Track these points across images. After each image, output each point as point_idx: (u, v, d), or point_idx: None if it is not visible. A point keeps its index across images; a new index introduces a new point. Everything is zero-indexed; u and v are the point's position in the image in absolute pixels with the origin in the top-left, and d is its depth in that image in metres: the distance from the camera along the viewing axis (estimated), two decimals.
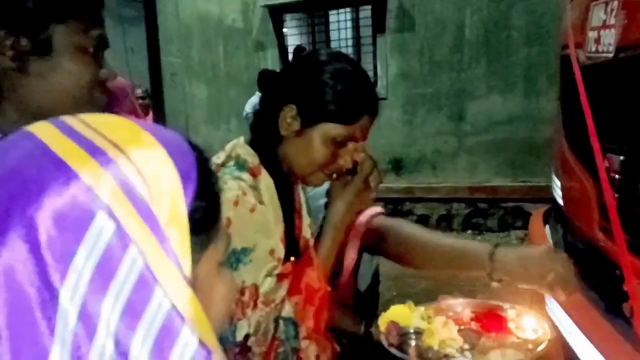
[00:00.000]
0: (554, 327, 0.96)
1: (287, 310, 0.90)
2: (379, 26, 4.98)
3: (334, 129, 0.92)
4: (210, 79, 5.69)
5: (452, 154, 4.87)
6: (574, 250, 1.40)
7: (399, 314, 1.00)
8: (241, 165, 0.91)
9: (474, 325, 1.00)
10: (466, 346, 0.94)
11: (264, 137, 0.96)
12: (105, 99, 0.72)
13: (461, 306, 1.06)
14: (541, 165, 4.19)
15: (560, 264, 0.92)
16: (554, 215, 1.64)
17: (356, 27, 5.27)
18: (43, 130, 0.37)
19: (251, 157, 0.93)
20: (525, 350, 0.91)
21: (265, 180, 0.92)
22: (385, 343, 0.95)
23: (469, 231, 4.69)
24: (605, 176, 0.98)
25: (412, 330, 0.95)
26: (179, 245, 0.36)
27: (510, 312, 1.02)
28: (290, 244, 0.95)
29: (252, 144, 0.96)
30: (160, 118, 3.57)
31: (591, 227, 1.18)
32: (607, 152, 1.10)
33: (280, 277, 0.89)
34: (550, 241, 1.53)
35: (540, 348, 0.89)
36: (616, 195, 1.03)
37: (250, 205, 0.85)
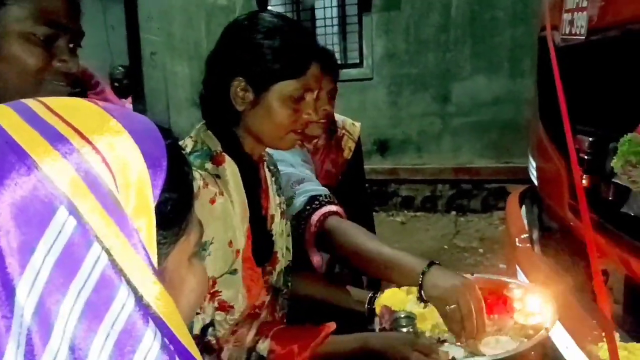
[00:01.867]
0: (555, 314, 0.91)
1: (262, 349, 0.89)
2: (364, 4, 4.93)
3: (287, 86, 0.90)
4: (192, 58, 5.59)
5: (437, 135, 4.89)
6: (546, 229, 1.43)
7: (393, 298, 0.99)
8: (205, 153, 0.89)
9: None
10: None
11: (220, 119, 0.93)
12: (68, 90, 0.69)
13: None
14: (524, 146, 4.20)
15: (463, 302, 0.86)
16: (530, 196, 1.67)
17: (342, 5, 5.21)
18: (2, 114, 0.35)
19: (213, 143, 0.91)
20: (523, 336, 0.87)
21: (230, 167, 0.90)
22: (377, 327, 0.96)
23: (453, 212, 4.75)
24: (574, 156, 1.00)
25: (403, 315, 0.94)
26: (147, 238, 0.34)
27: (517, 292, 0.97)
28: (257, 227, 0.94)
29: (212, 128, 0.93)
30: (139, 98, 3.50)
31: (562, 207, 1.21)
32: (577, 133, 1.12)
33: (248, 289, 0.89)
34: (525, 221, 1.56)
35: (535, 339, 0.85)
36: (585, 175, 1.05)
37: (210, 197, 0.84)
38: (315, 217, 1.11)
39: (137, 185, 0.34)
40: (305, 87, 0.91)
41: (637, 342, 0.83)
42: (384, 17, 4.89)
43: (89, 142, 0.33)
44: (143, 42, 3.56)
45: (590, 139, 1.09)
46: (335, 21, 5.25)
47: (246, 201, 0.91)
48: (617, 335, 0.76)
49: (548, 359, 1.02)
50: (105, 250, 0.32)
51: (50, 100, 0.36)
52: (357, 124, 1.99)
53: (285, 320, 1.05)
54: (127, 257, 0.32)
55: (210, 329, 0.85)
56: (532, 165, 1.58)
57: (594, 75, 1.14)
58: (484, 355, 0.84)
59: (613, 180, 0.88)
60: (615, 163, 0.74)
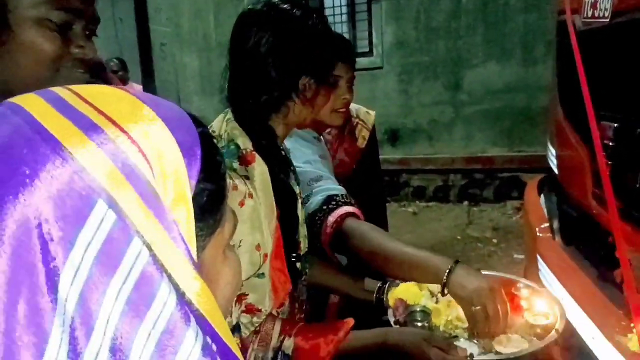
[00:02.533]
0: (564, 315, 0.90)
1: (287, 346, 0.89)
2: None
3: (343, 70, 0.99)
4: (201, 49, 5.58)
5: (449, 124, 4.84)
6: (567, 218, 1.40)
7: (407, 292, 0.99)
8: (232, 152, 0.86)
9: None
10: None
11: (262, 114, 0.91)
12: (86, 78, 0.68)
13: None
14: (537, 134, 4.17)
15: (491, 304, 0.86)
16: (549, 184, 1.64)
17: None
18: (33, 103, 0.33)
19: (243, 141, 0.88)
20: (532, 335, 0.88)
21: (259, 167, 0.87)
22: (391, 319, 0.95)
23: (465, 202, 4.71)
24: (599, 143, 0.98)
25: (418, 309, 0.95)
26: (187, 231, 0.33)
27: (524, 291, 0.98)
28: (287, 228, 0.93)
29: (243, 122, 0.90)
30: (150, 90, 3.51)
31: (585, 195, 1.18)
32: (601, 120, 1.09)
33: (275, 290, 0.89)
34: (545, 210, 1.53)
35: (547, 339, 0.86)
36: (609, 162, 1.02)
37: (240, 199, 0.82)
38: (332, 218, 1.09)
39: (174, 175, 0.33)
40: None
41: None
42: (394, 4, 4.83)
43: (124, 131, 0.32)
44: (152, 33, 3.55)
45: (615, 125, 1.06)
46: (344, 9, 5.20)
47: (274, 201, 0.89)
48: None
49: (572, 351, 1.00)
50: (146, 245, 0.30)
51: (80, 88, 0.35)
52: (372, 112, 1.96)
53: (304, 308, 1.04)
54: (168, 252, 0.31)
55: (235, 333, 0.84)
56: (552, 153, 1.55)
57: (618, 58, 1.10)
58: (499, 353, 0.85)
59: None
60: None
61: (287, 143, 1.08)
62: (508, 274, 1.08)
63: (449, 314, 0.94)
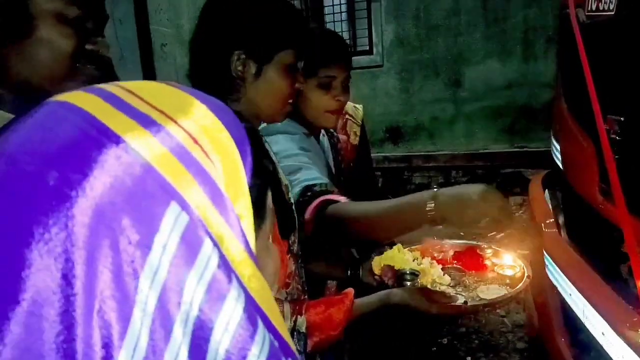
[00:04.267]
0: (529, 266, 1.03)
1: (301, 324, 0.90)
2: None
3: (288, 56, 0.90)
4: None
5: (450, 121, 4.83)
6: (573, 213, 1.40)
7: (392, 258, 1.06)
8: None
9: (455, 264, 1.08)
10: (452, 283, 1.02)
11: (219, 98, 0.90)
12: (100, 74, 0.68)
13: (443, 247, 1.13)
14: (539, 130, 4.16)
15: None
16: (553, 180, 1.63)
17: None
18: (88, 101, 0.32)
19: None
20: (504, 285, 0.98)
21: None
22: (372, 281, 1.03)
23: None
24: (605, 137, 0.97)
25: (408, 272, 1.02)
26: (248, 227, 0.32)
27: (488, 251, 1.10)
28: (279, 200, 0.92)
29: None
30: None
31: (591, 190, 1.18)
32: (607, 114, 1.08)
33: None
34: (550, 205, 1.53)
35: (522, 283, 0.96)
36: (616, 156, 1.02)
37: None
38: (309, 208, 1.08)
39: (234, 170, 0.33)
40: (299, 55, 0.92)
41: None
42: (393, 2, 4.82)
43: (182, 128, 0.31)
44: (153, 34, 3.53)
45: (621, 119, 1.05)
46: (344, 8, 5.19)
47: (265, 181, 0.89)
48: None
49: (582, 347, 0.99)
50: (217, 245, 0.30)
51: (128, 84, 0.34)
52: (359, 107, 1.93)
53: (306, 289, 1.05)
54: (235, 252, 0.31)
55: None
56: (556, 148, 1.54)
57: (624, 51, 1.10)
58: (484, 299, 0.94)
59: None
60: None
61: (268, 139, 1.07)
62: (472, 241, 1.19)
63: (433, 273, 1.03)
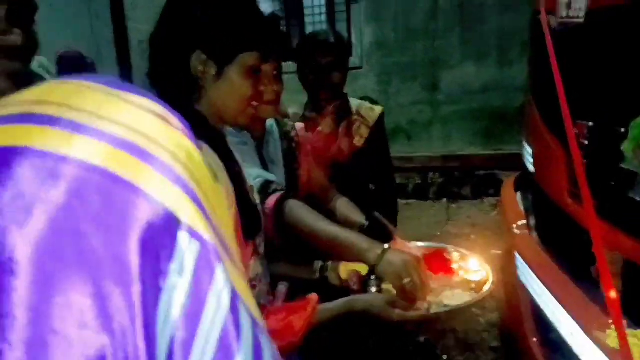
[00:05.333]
0: (496, 271, 1.06)
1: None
2: None
3: (250, 58, 0.89)
4: None
5: (427, 124, 4.89)
6: (544, 215, 1.43)
7: (360, 265, 1.07)
8: None
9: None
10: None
11: (180, 99, 0.89)
12: (14, 66, 0.62)
13: (411, 250, 1.14)
14: (514, 133, 4.23)
15: (416, 275, 0.96)
16: (525, 182, 1.66)
17: None
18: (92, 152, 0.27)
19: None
20: (469, 290, 1.00)
21: (209, 151, 0.87)
22: (335, 280, 1.05)
23: (444, 200, 4.76)
24: (574, 142, 0.99)
25: (373, 277, 1.03)
26: (236, 253, 0.31)
27: (455, 255, 1.11)
28: (243, 202, 0.92)
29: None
30: None
31: (561, 193, 1.20)
32: (576, 119, 1.10)
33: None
34: (521, 207, 1.55)
35: (485, 288, 0.99)
36: (585, 160, 1.04)
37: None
38: (269, 203, 1.10)
39: (217, 197, 0.31)
40: (264, 58, 0.92)
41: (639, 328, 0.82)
42: (373, 5, 4.85)
43: (170, 153, 0.29)
44: (130, 31, 3.46)
45: (590, 124, 1.08)
46: (324, 9, 5.20)
47: (230, 183, 0.89)
48: (624, 323, 0.76)
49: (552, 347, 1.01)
50: (225, 272, 0.28)
51: (33, 91, 0.29)
52: (378, 108, 1.87)
53: (271, 291, 1.06)
54: (240, 281, 0.29)
55: None
56: (528, 151, 1.57)
57: (593, 58, 1.12)
58: (448, 305, 0.97)
59: (620, 165, 0.87)
60: (626, 147, 0.73)
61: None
62: (440, 244, 1.23)
63: None
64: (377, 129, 1.81)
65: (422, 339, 2.62)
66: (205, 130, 0.87)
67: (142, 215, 0.26)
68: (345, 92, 1.82)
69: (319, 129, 1.76)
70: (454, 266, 1.09)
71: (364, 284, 1.04)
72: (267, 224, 1.08)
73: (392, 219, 1.84)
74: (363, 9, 4.89)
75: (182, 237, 0.27)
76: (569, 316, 0.97)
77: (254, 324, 0.30)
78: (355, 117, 1.78)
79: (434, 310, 0.94)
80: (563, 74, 1.04)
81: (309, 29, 5.24)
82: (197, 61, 0.86)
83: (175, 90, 0.88)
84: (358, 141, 1.76)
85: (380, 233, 1.26)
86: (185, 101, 0.88)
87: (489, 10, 4.55)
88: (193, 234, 0.27)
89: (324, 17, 5.14)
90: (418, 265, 0.97)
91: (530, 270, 1.20)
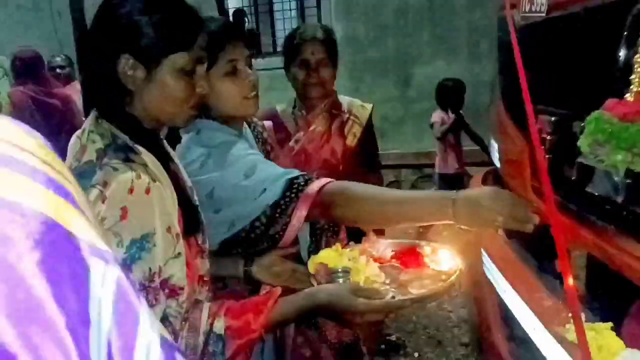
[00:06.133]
0: (466, 259, 1.06)
1: (218, 327, 0.89)
2: None
3: (179, 59, 0.88)
4: None
5: (399, 121, 4.91)
6: None
7: (327, 257, 1.05)
8: (121, 145, 0.83)
9: (394, 262, 1.08)
10: (387, 281, 1.01)
11: (112, 103, 0.88)
12: None
13: (382, 246, 1.13)
14: (483, 130, 4.29)
15: (506, 205, 0.92)
16: (492, 178, 1.67)
17: None
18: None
19: (119, 133, 0.86)
20: (439, 281, 0.99)
21: (148, 155, 0.85)
22: (315, 283, 1.01)
23: None
24: (537, 137, 0.99)
25: (340, 270, 1.01)
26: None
27: (426, 249, 1.10)
28: (183, 201, 0.91)
29: (107, 117, 0.87)
30: None
31: (525, 188, 1.21)
32: (539, 114, 1.10)
33: (188, 266, 0.88)
34: None
35: (452, 278, 0.98)
36: (547, 156, 1.04)
37: (145, 187, 0.79)
38: (309, 194, 1.06)
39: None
40: (197, 59, 0.90)
41: (603, 321, 0.82)
42: (343, 1, 4.84)
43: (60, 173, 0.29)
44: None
45: (553, 119, 1.08)
46: (294, 5, 5.16)
47: (171, 182, 0.87)
48: (583, 316, 0.76)
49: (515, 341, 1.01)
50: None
51: None
52: (368, 106, 1.82)
53: (209, 287, 1.04)
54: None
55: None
56: (494, 147, 1.58)
57: (554, 53, 1.13)
58: (412, 294, 0.95)
59: (577, 160, 0.87)
60: (582, 142, 0.72)
61: (200, 155, 1.07)
62: (412, 240, 1.21)
63: (368, 270, 1.02)
64: (368, 128, 1.77)
65: (394, 336, 2.63)
66: (139, 133, 0.86)
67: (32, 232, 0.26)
68: (334, 88, 1.76)
69: (312, 127, 1.70)
70: (426, 260, 1.08)
71: (330, 277, 1.02)
72: (316, 213, 1.08)
73: None
74: (333, 5, 4.87)
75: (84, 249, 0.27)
76: (531, 311, 0.97)
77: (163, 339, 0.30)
78: (347, 115, 1.73)
79: (398, 298, 0.93)
80: (527, 69, 1.03)
81: (278, 25, 5.20)
82: (125, 65, 0.86)
83: (107, 94, 0.88)
84: (351, 141, 1.71)
85: (353, 229, 1.24)
86: (117, 104, 0.87)
87: (458, 7, 4.59)
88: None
89: (294, 13, 5.11)
90: (502, 193, 0.95)
91: (495, 267, 1.21)
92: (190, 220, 0.92)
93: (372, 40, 4.83)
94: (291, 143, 1.70)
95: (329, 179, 1.10)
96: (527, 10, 1.19)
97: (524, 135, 1.25)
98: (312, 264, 1.06)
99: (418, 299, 0.94)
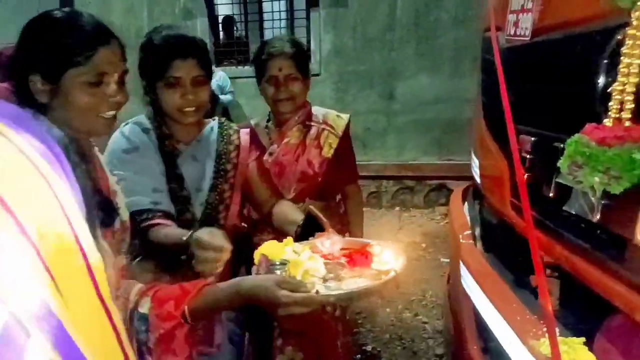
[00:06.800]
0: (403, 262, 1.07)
1: (143, 305, 0.94)
2: (312, 0, 4.91)
3: (78, 73, 0.98)
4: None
5: (382, 133, 4.97)
6: (488, 225, 1.47)
7: (270, 249, 1.08)
8: None
9: (343, 260, 1.09)
10: (330, 276, 1.02)
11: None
12: None
13: (333, 243, 1.14)
14: (464, 144, 4.37)
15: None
16: (472, 193, 1.71)
17: (290, 0, 5.16)
18: None
19: None
20: (377, 279, 1.01)
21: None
22: (254, 274, 1.04)
23: (397, 208, 4.85)
24: (517, 156, 1.03)
25: (278, 263, 1.03)
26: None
27: (376, 248, 1.12)
28: (100, 202, 1.03)
29: None
30: None
31: (504, 204, 1.24)
32: (520, 133, 1.14)
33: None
34: (468, 217, 1.60)
35: (384, 278, 1.00)
36: (526, 174, 1.08)
37: None
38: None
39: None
40: (99, 71, 1.01)
41: (576, 336, 0.85)
42: (332, 13, 4.90)
43: None
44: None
45: (533, 139, 1.12)
46: (284, 15, 5.19)
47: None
48: (557, 330, 0.78)
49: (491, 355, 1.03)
50: None
51: None
52: (345, 116, 1.83)
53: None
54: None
55: None
56: (475, 163, 1.62)
57: (537, 76, 1.17)
58: (341, 289, 0.97)
59: (555, 179, 0.91)
60: (562, 163, 0.75)
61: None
62: (367, 240, 1.24)
63: (308, 264, 1.03)
64: (345, 138, 1.78)
65: (369, 347, 2.64)
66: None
67: None
68: (307, 100, 1.78)
69: (285, 140, 1.71)
70: (375, 259, 1.10)
71: (269, 268, 1.04)
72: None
73: (359, 228, 1.82)
74: (323, 17, 4.92)
75: None
76: (506, 324, 1.00)
77: None
78: (323, 126, 1.73)
79: (322, 293, 0.94)
80: (509, 89, 1.07)
81: (268, 35, 5.22)
82: (35, 82, 0.96)
83: (28, 106, 0.97)
84: (327, 152, 1.71)
85: (315, 226, 1.28)
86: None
87: (442, 25, 4.69)
88: None
89: (283, 23, 5.14)
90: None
91: (472, 279, 1.23)
92: (105, 214, 1.03)
93: (359, 53, 4.89)
94: (265, 156, 1.71)
95: (157, 222, 1.28)
96: (511, 33, 1.23)
97: (504, 153, 1.28)
98: (257, 254, 1.08)
99: (343, 296, 0.95)
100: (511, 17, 1.24)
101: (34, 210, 0.28)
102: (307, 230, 1.26)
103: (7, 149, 0.29)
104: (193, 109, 1.33)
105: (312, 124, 1.73)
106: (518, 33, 1.20)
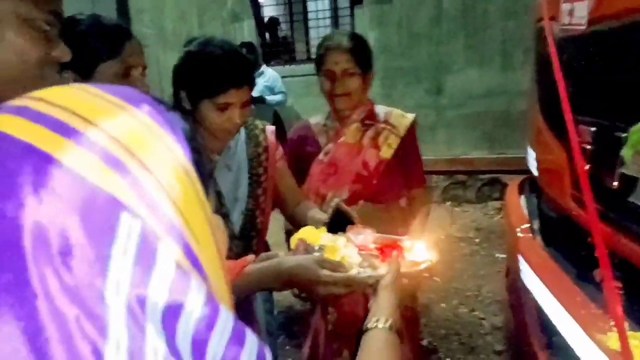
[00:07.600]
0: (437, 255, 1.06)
1: None
2: None
3: (109, 67, 1.08)
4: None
5: (431, 128, 4.90)
6: (547, 219, 1.44)
7: (308, 234, 1.09)
8: None
9: (374, 252, 1.09)
10: (365, 264, 1.01)
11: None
12: (58, 78, 0.68)
13: (367, 237, 1.15)
14: (517, 137, 4.25)
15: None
16: (529, 186, 1.68)
17: None
18: (6, 123, 0.31)
19: None
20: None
21: None
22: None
23: (448, 203, 4.77)
24: (577, 147, 1.01)
25: (317, 247, 1.03)
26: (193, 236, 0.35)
27: (407, 243, 1.12)
28: None
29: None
30: None
31: (564, 197, 1.22)
32: (579, 124, 1.12)
33: None
34: (525, 211, 1.57)
35: (422, 266, 1.00)
36: (588, 165, 1.06)
37: None
38: None
39: (163, 161, 0.35)
40: (127, 64, 1.09)
41: None
42: (377, 10, 4.88)
43: (105, 131, 0.32)
44: (135, 34, 3.50)
45: (592, 129, 1.10)
46: (328, 14, 5.23)
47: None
48: (626, 325, 0.77)
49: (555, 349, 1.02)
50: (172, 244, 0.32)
51: (35, 93, 0.34)
52: (410, 115, 1.72)
53: None
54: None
55: None
56: (531, 156, 1.59)
57: (594, 65, 1.14)
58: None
59: (620, 170, 0.89)
60: (625, 153, 0.74)
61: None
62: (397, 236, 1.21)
63: (344, 251, 1.03)
64: (409, 139, 1.67)
65: (425, 341, 2.63)
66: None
67: (128, 231, 0.30)
68: (370, 98, 1.69)
69: (341, 139, 1.64)
70: (405, 253, 1.09)
71: (307, 252, 1.04)
72: None
73: (417, 230, 1.70)
74: (367, 14, 4.92)
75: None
76: (571, 319, 0.98)
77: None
78: (383, 125, 1.64)
79: (362, 275, 0.94)
80: (566, 79, 1.05)
81: (312, 33, 5.28)
82: (67, 78, 1.03)
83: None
84: (385, 152, 1.62)
85: (344, 221, 1.26)
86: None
87: (492, 17, 4.57)
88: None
89: (328, 22, 5.17)
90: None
91: (533, 274, 1.22)
92: None
93: (405, 49, 4.85)
94: (320, 156, 1.64)
95: None
96: (566, 22, 1.21)
97: (562, 144, 1.26)
98: (294, 240, 1.09)
99: (379, 278, 0.93)
100: (565, 7, 1.21)
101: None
102: (337, 225, 1.25)
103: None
104: (237, 128, 1.32)
105: (372, 123, 1.65)
106: (573, 22, 1.18)
